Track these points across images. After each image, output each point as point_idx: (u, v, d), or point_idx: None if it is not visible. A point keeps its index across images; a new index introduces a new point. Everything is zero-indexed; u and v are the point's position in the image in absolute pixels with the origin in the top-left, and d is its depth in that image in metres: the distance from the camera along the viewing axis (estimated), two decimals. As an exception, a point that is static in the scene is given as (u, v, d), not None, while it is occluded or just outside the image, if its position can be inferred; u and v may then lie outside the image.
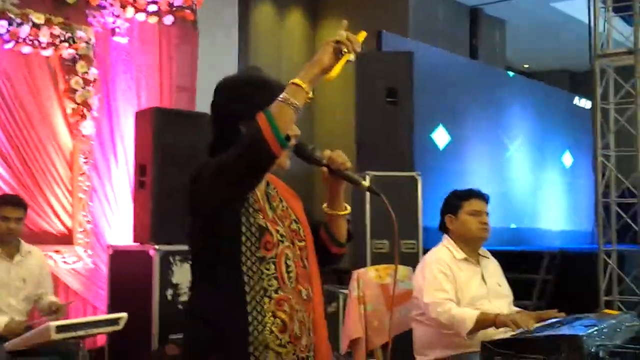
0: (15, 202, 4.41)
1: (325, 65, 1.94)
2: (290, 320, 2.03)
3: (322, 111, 8.71)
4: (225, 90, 2.14)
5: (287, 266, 2.07)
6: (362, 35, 1.99)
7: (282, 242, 2.08)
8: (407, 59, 6.27)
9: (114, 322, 4.04)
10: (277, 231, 2.08)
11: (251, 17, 8.33)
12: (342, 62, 1.94)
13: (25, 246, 4.44)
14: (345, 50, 1.94)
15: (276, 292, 2.03)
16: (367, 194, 5.66)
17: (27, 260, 4.40)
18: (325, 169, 2.14)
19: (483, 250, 3.84)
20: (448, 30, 9.93)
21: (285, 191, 2.25)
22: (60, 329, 3.73)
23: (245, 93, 2.09)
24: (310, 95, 1.92)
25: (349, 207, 2.26)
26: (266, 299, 2.00)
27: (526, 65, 13.68)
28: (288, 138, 1.91)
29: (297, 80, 1.91)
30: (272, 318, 2.00)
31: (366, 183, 2.10)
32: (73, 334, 3.79)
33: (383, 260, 5.31)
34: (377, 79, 6.10)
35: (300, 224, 2.18)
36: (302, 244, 2.16)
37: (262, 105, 1.93)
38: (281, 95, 1.90)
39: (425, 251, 5.40)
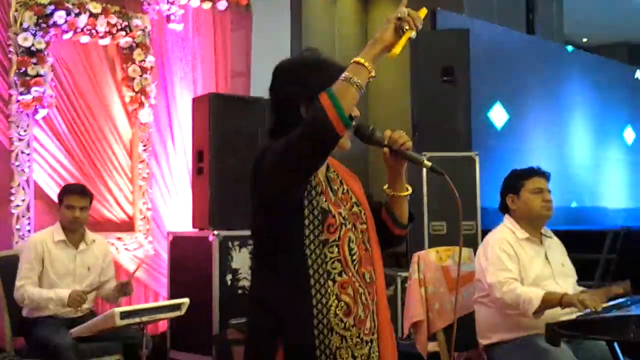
0: (81, 191, 4.48)
1: (387, 42, 1.92)
2: (355, 304, 2.02)
3: (377, 92, 8.64)
4: (282, 73, 2.13)
5: (350, 249, 2.06)
6: (423, 12, 1.97)
7: (345, 225, 2.06)
8: (463, 37, 6.18)
9: (177, 307, 4.08)
10: (340, 214, 2.07)
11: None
12: (404, 39, 1.92)
13: (90, 234, 4.51)
14: (407, 27, 1.92)
15: (340, 275, 2.01)
16: (424, 174, 5.65)
17: (91, 249, 4.48)
18: (386, 149, 2.12)
19: (546, 230, 3.77)
20: (504, 6, 9.73)
21: (345, 174, 2.23)
22: (124, 314, 3.77)
23: (303, 75, 2.07)
24: (373, 74, 1.91)
25: (410, 188, 2.23)
26: (330, 282, 1.99)
27: (585, 40, 13.37)
28: (351, 117, 1.90)
29: (359, 59, 1.90)
30: (336, 301, 1.99)
31: (428, 162, 2.07)
32: (137, 319, 3.83)
33: (441, 241, 5.26)
34: (433, 58, 6.02)
35: (361, 207, 2.17)
36: (364, 226, 2.14)
37: (320, 86, 1.92)
38: (344, 74, 1.88)
39: (484, 232, 5.33)
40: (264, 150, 2.00)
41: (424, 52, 6.04)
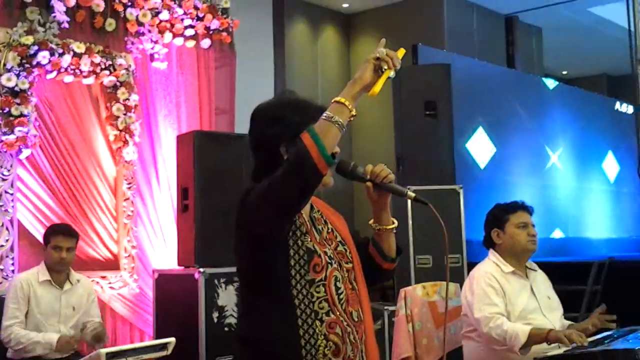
0: (68, 232, 4.47)
1: (366, 82, 1.95)
2: (343, 343, 2.02)
3: (361, 126, 8.70)
4: (261, 114, 2.14)
5: (337, 288, 2.06)
6: (402, 52, 2.01)
7: (331, 264, 2.07)
8: (444, 71, 6.26)
9: (163, 347, 4.05)
10: (325, 253, 2.07)
11: (286, 37, 8.38)
12: (383, 78, 1.96)
13: (74, 274, 4.50)
14: (386, 67, 1.96)
15: (327, 314, 2.01)
16: (409, 207, 5.67)
17: (76, 289, 4.46)
18: (369, 184, 2.14)
19: (530, 263, 3.80)
20: (484, 40, 9.86)
21: (330, 213, 2.24)
22: (110, 355, 3.75)
23: (282, 115, 2.09)
24: (354, 112, 1.94)
25: (395, 221, 2.25)
26: (317, 322, 1.99)
27: (564, 72, 13.54)
28: (334, 156, 1.91)
29: (340, 99, 1.93)
30: (324, 341, 1.99)
31: (412, 194, 2.10)
32: (123, 360, 3.81)
33: (427, 275, 5.28)
34: (415, 92, 6.09)
35: (346, 246, 2.17)
36: (350, 265, 2.15)
37: (300, 126, 1.95)
38: (325, 114, 1.91)
39: (470, 265, 5.35)
40: (248, 192, 2.01)
41: (407, 87, 6.11)
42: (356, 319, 2.09)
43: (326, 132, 1.88)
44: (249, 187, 2.03)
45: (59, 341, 4.11)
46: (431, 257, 5.70)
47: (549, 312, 3.63)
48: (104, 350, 3.78)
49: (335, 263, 2.08)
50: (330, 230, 2.17)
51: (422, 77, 6.21)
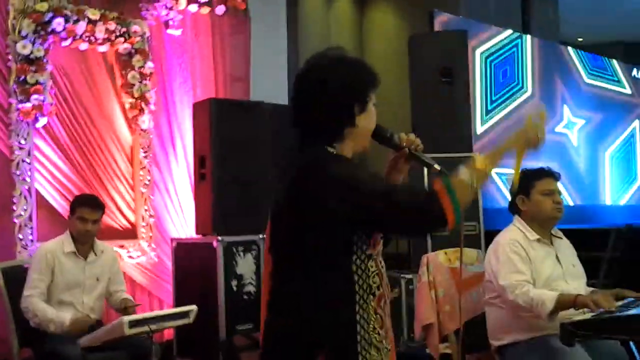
0: (94, 203, 4.39)
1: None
2: (385, 316, 2.04)
3: (377, 96, 8.64)
4: (336, 76, 2.03)
5: (381, 261, 2.06)
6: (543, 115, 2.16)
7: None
8: (461, 38, 6.18)
9: (185, 315, 4.04)
10: None
11: (299, 4, 8.27)
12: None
13: (99, 244, 4.44)
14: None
15: (378, 288, 2.02)
16: (425, 177, 5.61)
17: (100, 259, 4.42)
18: (405, 150, 2.15)
19: (555, 230, 3.75)
20: (500, 6, 9.72)
21: None
22: (132, 323, 3.74)
23: (356, 74, 2.06)
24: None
25: None
26: (371, 297, 1.99)
27: (580, 39, 13.39)
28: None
29: (487, 169, 2.00)
30: (374, 315, 1.99)
31: (437, 166, 2.12)
32: (145, 328, 3.79)
33: (443, 243, 5.24)
34: (431, 59, 6.01)
35: None
36: None
37: (368, 86, 2.04)
38: (467, 177, 1.96)
39: (487, 233, 5.31)
40: (317, 166, 1.96)
41: (422, 54, 6.04)
42: (389, 290, 2.11)
43: (464, 195, 1.94)
44: (315, 157, 1.99)
45: (72, 323, 4.07)
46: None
47: (574, 280, 3.59)
48: (126, 318, 3.78)
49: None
50: None
51: (438, 44, 6.13)
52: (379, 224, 1.95)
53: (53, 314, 4.10)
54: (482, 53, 8.94)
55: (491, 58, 9.11)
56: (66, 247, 4.30)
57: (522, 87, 9.77)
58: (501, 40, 9.31)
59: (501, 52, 9.31)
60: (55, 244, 4.33)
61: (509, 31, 9.47)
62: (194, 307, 4.04)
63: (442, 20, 8.10)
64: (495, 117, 9.20)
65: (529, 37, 9.92)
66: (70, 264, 4.29)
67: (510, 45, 9.53)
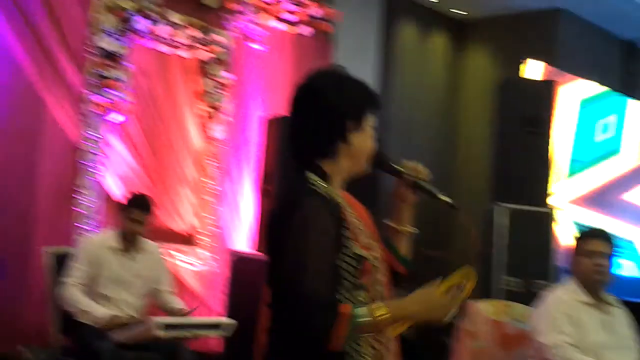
0: (144, 206, 4.40)
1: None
2: (387, 351, 1.93)
3: (461, 139, 8.49)
4: (332, 87, 1.99)
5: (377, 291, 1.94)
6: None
7: (376, 267, 1.96)
8: (548, 88, 6.03)
9: (220, 326, 4.00)
10: (373, 257, 1.95)
11: (393, 36, 8.22)
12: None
13: (143, 242, 4.44)
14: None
15: None
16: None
17: (142, 256, 4.42)
18: (408, 179, 2.05)
19: (611, 297, 3.56)
20: (598, 62, 9.44)
21: (361, 209, 2.09)
22: (166, 327, 3.73)
23: (351, 91, 1.99)
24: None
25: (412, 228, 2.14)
26: None
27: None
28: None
29: (397, 317, 1.83)
30: (370, 349, 1.88)
31: (444, 197, 2.02)
32: (178, 333, 3.78)
33: (512, 299, 5.02)
34: (516, 107, 5.88)
35: (375, 242, 2.03)
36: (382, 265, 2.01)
37: (365, 106, 1.96)
38: (381, 316, 1.79)
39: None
40: (302, 213, 1.88)
41: (508, 100, 5.92)
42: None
43: (365, 330, 1.82)
44: (299, 231, 1.87)
45: (111, 321, 4.08)
46: (522, 280, 5.42)
47: (621, 350, 3.40)
48: (161, 321, 3.76)
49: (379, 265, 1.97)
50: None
51: (525, 92, 5.99)
52: (280, 293, 1.89)
53: (90, 306, 4.12)
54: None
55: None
56: (112, 242, 4.34)
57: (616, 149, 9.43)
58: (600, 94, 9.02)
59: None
60: (102, 238, 4.39)
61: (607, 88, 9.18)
62: (230, 321, 4.00)
63: (539, 69, 7.90)
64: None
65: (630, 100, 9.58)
66: (113, 259, 4.31)
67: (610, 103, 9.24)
